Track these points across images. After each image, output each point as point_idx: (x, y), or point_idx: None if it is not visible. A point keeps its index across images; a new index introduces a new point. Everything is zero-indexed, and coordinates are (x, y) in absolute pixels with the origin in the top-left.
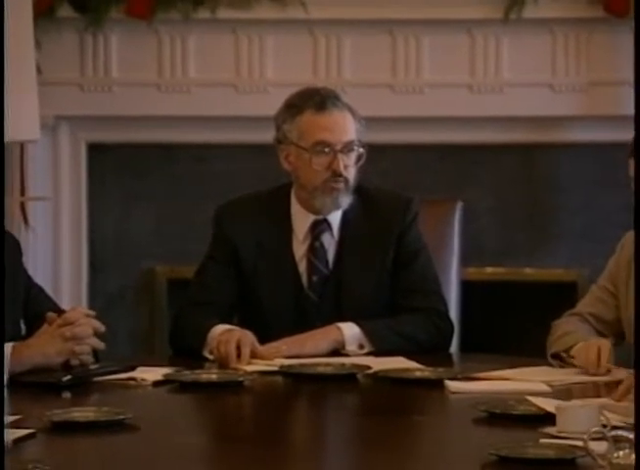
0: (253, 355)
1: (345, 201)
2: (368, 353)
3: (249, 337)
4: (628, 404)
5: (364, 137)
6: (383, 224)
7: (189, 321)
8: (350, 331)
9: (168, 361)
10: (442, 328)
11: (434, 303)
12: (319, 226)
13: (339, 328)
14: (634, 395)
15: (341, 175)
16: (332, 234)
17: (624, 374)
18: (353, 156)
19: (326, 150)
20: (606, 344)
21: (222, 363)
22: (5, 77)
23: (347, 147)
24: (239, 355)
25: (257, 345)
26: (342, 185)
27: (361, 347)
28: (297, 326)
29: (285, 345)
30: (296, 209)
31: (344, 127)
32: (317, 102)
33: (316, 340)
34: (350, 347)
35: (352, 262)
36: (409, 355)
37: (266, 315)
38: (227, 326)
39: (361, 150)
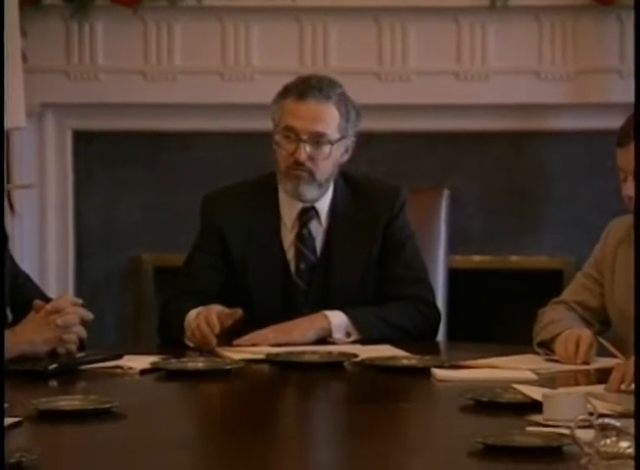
0: (222, 321)
1: (311, 192)
2: (355, 342)
3: (212, 309)
4: (616, 393)
5: (348, 134)
6: (371, 213)
7: (172, 311)
8: (337, 319)
9: (155, 349)
10: (429, 316)
11: (421, 291)
12: (307, 214)
13: (326, 316)
14: (634, 392)
15: (302, 164)
16: (320, 222)
17: (608, 363)
18: (325, 149)
19: (291, 136)
20: (586, 334)
21: (203, 347)
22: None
23: (314, 138)
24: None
25: (225, 310)
26: (304, 174)
27: (348, 335)
28: (285, 313)
29: (272, 332)
30: (283, 196)
31: (316, 118)
32: (300, 90)
33: (303, 328)
34: (337, 335)
35: (340, 250)
36: (396, 344)
37: (254, 303)
38: (197, 309)
39: (330, 146)
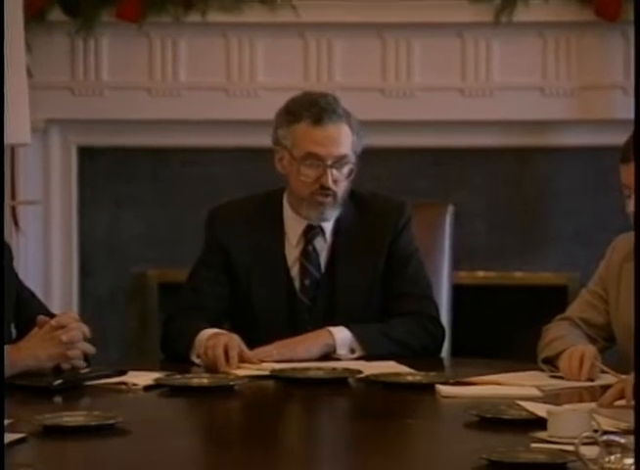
0: (241, 359)
1: (332, 213)
2: (359, 358)
3: (235, 340)
4: (620, 409)
5: (360, 148)
6: (376, 229)
7: (177, 326)
8: (341, 335)
9: (159, 366)
10: (433, 332)
11: (426, 307)
12: (312, 230)
13: (330, 332)
14: (634, 395)
15: (329, 189)
16: (325, 238)
17: (611, 380)
18: (346, 170)
19: (316, 163)
20: (590, 351)
21: (211, 368)
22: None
23: (339, 162)
24: (227, 360)
25: (245, 348)
26: (329, 199)
27: (352, 351)
28: (289, 330)
29: (276, 348)
30: (288, 213)
31: (338, 142)
32: (314, 114)
33: (307, 344)
34: (341, 351)
35: (345, 267)
36: (400, 360)
37: (258, 319)
38: (214, 330)
39: (351, 165)
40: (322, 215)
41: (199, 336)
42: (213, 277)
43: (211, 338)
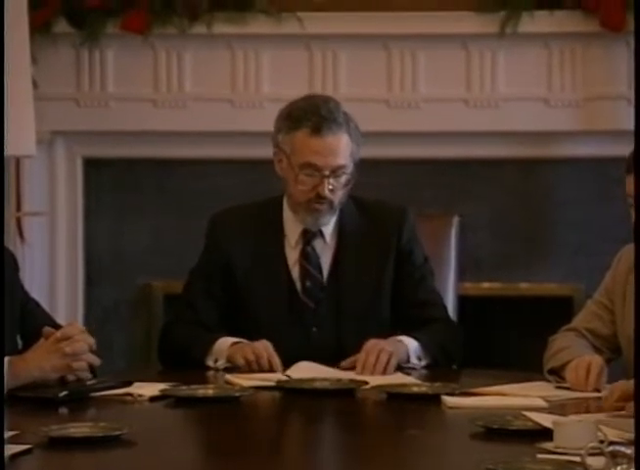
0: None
1: (328, 219)
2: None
3: (269, 347)
4: (626, 419)
5: (358, 155)
6: (378, 230)
7: (184, 333)
8: (412, 344)
9: (165, 376)
10: (459, 338)
11: (447, 313)
12: (310, 232)
13: (402, 342)
14: (634, 399)
15: (325, 198)
16: (324, 240)
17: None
18: (343, 179)
19: (314, 173)
20: (596, 361)
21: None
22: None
23: (336, 172)
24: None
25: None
26: (325, 206)
27: (419, 359)
28: (293, 332)
29: (388, 347)
30: (287, 215)
31: (336, 152)
32: (315, 123)
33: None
34: (413, 359)
35: (351, 270)
36: (406, 371)
37: (259, 321)
38: (233, 339)
39: (349, 174)
40: (317, 222)
41: (218, 344)
42: (207, 289)
43: (246, 345)
